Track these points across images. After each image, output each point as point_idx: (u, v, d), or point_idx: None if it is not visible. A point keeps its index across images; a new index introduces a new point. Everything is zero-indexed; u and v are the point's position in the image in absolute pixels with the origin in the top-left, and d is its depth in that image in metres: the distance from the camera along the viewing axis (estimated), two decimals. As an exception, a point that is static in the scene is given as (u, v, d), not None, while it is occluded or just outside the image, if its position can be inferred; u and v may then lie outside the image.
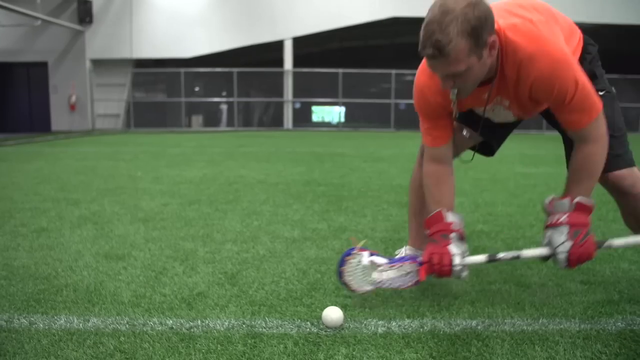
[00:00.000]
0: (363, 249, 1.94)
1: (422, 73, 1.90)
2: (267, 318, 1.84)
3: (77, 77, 17.17)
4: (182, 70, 17.55)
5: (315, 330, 1.73)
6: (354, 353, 1.58)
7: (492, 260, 1.89)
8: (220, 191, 4.57)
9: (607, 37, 19.39)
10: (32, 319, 1.81)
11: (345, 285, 1.95)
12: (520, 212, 3.71)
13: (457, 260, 1.85)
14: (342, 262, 1.94)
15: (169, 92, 19.12)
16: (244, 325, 1.77)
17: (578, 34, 1.92)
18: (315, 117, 20.48)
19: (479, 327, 1.76)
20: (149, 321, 1.80)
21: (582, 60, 1.89)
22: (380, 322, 1.80)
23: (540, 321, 1.81)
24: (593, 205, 1.83)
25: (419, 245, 2.30)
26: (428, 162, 2.04)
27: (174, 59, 17.38)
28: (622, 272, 2.35)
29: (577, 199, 1.80)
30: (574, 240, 1.77)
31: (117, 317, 1.83)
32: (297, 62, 17.81)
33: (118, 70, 17.49)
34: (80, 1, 16.65)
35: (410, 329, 1.76)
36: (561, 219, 1.80)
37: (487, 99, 1.85)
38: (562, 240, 1.79)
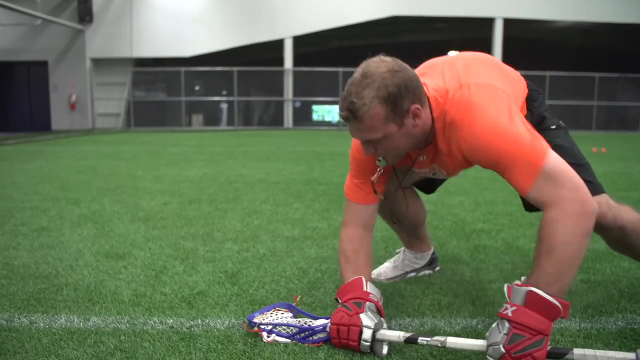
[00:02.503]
0: (261, 330, 1.68)
1: None
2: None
3: (77, 76, 17.19)
4: (182, 69, 17.56)
5: (315, 329, 1.73)
6: (354, 352, 1.58)
7: (410, 341, 1.54)
8: (221, 190, 4.58)
9: (607, 36, 19.43)
10: (32, 318, 1.81)
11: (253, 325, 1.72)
12: (521, 211, 3.66)
13: (366, 334, 1.54)
14: (256, 314, 1.78)
15: (169, 91, 19.13)
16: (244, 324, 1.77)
17: (523, 85, 1.86)
18: (316, 116, 20.47)
19: (479, 326, 1.76)
20: (150, 320, 1.80)
21: (530, 107, 1.84)
22: (380, 321, 1.80)
23: (541, 320, 1.80)
24: (556, 304, 1.39)
25: (416, 249, 2.31)
26: (349, 224, 1.88)
27: (174, 58, 17.39)
28: (623, 271, 2.35)
29: (529, 288, 1.42)
30: (507, 348, 1.38)
31: (117, 316, 1.83)
32: (297, 61, 17.81)
33: (118, 69, 17.50)
34: (80, 0, 16.65)
35: (410, 327, 1.76)
36: (507, 311, 1.44)
37: (429, 164, 1.77)
38: (496, 340, 1.41)
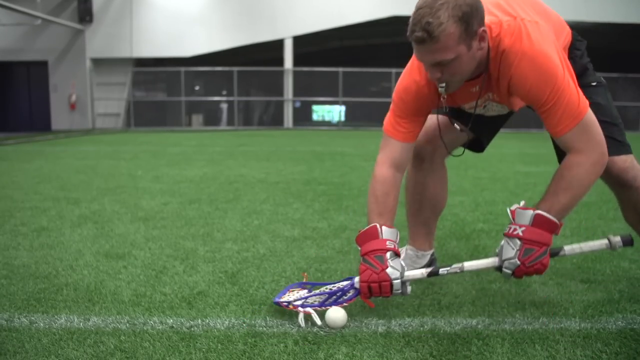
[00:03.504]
0: (296, 307, 1.79)
1: (412, 68, 1.89)
2: (267, 317, 1.84)
3: (77, 76, 17.17)
4: (182, 69, 17.55)
5: (315, 330, 1.73)
6: (354, 352, 1.58)
7: (432, 274, 1.80)
8: (221, 190, 4.58)
9: (608, 36, 19.41)
10: (32, 318, 1.81)
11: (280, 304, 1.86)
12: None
13: (396, 285, 1.75)
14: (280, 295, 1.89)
15: (169, 91, 19.12)
16: (244, 324, 1.77)
17: (567, 30, 1.91)
18: (316, 116, 20.48)
19: (479, 326, 1.76)
20: (150, 320, 1.80)
21: (573, 56, 1.88)
22: (380, 321, 1.80)
23: (541, 320, 1.81)
24: (558, 224, 1.69)
25: (419, 245, 2.31)
26: (383, 164, 1.96)
27: (174, 58, 17.38)
28: (623, 271, 2.35)
29: (537, 211, 1.68)
30: (522, 260, 1.67)
31: (117, 316, 1.83)
32: (297, 61, 17.80)
33: (118, 69, 17.48)
34: (80, 0, 16.64)
35: (410, 327, 1.76)
36: (517, 231, 1.69)
37: (478, 94, 1.82)
38: (510, 255, 1.69)
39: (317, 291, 1.85)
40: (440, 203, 2.29)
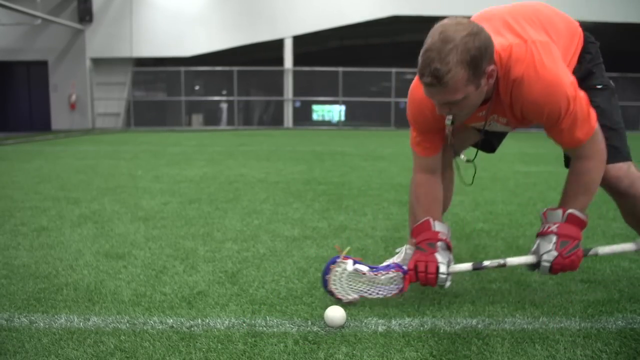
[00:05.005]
0: (347, 257, 1.92)
1: (419, 87, 1.87)
2: (267, 317, 1.84)
3: (77, 76, 17.17)
4: (182, 69, 17.55)
5: (315, 329, 1.73)
6: (354, 352, 1.58)
7: (477, 268, 1.91)
8: (221, 190, 4.58)
9: (608, 35, 19.38)
10: (32, 317, 1.81)
11: (331, 293, 1.93)
12: (521, 211, 3.71)
13: (442, 268, 1.85)
14: (327, 271, 1.92)
15: (169, 90, 19.12)
16: (244, 324, 1.77)
17: (578, 34, 1.92)
18: (316, 116, 20.46)
19: (479, 326, 1.76)
20: (150, 320, 1.80)
21: (581, 60, 1.89)
22: (380, 321, 1.80)
23: (541, 320, 1.81)
24: (586, 220, 1.84)
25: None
26: (418, 171, 2.06)
27: (174, 58, 17.38)
28: (623, 271, 2.35)
29: (569, 211, 1.81)
30: (559, 251, 1.78)
31: (117, 316, 1.83)
32: (297, 61, 17.80)
33: (118, 69, 17.48)
34: (80, 0, 16.64)
35: (410, 327, 1.76)
36: (551, 228, 1.82)
37: (485, 117, 1.86)
38: (548, 248, 1.80)
39: (365, 271, 1.91)
40: (444, 205, 2.28)
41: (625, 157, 1.87)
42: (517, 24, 1.78)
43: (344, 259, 1.91)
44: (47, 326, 1.74)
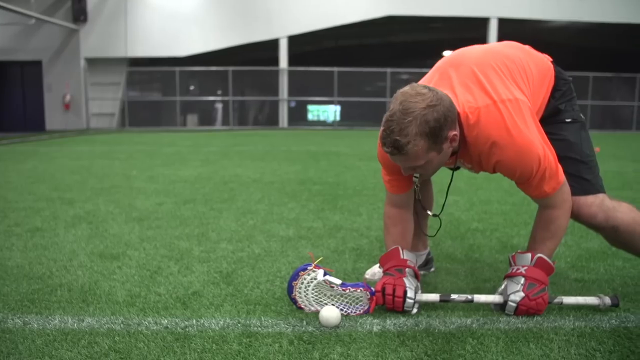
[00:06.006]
0: (319, 266, 1.87)
1: None
2: (262, 317, 1.83)
3: (72, 76, 17.10)
4: (177, 69, 17.52)
5: (310, 329, 1.73)
6: (349, 352, 1.58)
7: (444, 300, 1.88)
8: (216, 190, 4.57)
9: (602, 36, 19.49)
10: (26, 319, 1.80)
11: (294, 301, 1.89)
12: (515, 210, 3.72)
13: (410, 293, 1.84)
14: (294, 277, 1.88)
15: (164, 91, 19.07)
16: (239, 325, 1.77)
17: (550, 74, 1.93)
18: (311, 116, 20.46)
19: (474, 325, 1.77)
20: (144, 321, 1.80)
21: (552, 97, 1.92)
22: (375, 321, 1.80)
23: (535, 319, 1.81)
24: (553, 267, 1.87)
25: (412, 247, 2.30)
26: (388, 204, 2.08)
27: (169, 58, 17.33)
28: (616, 270, 2.36)
29: (538, 255, 1.85)
30: (526, 293, 1.80)
31: (111, 317, 1.83)
32: (292, 61, 17.79)
33: (113, 69, 17.42)
34: (74, -1, 16.60)
35: (405, 327, 1.76)
36: (520, 270, 1.84)
37: (453, 163, 1.91)
38: (516, 289, 1.82)
39: (335, 284, 1.87)
40: (428, 204, 2.26)
41: (597, 190, 1.89)
42: (485, 78, 1.78)
43: (315, 268, 1.87)
44: (40, 327, 1.74)
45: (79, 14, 16.71)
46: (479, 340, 1.66)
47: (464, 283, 2.19)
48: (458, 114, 1.71)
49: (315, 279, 1.86)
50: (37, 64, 17.11)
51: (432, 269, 2.37)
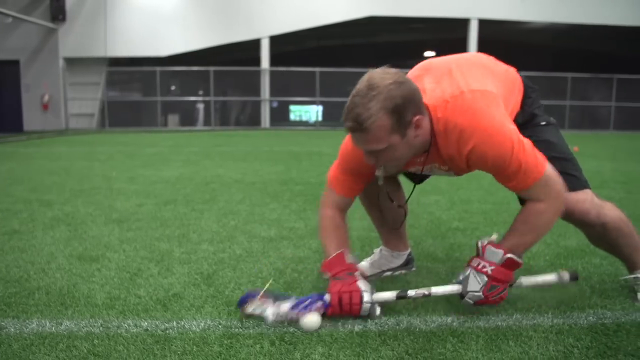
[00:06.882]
0: (266, 295, 1.79)
1: None
2: (243, 318, 1.83)
3: (50, 76, 16.83)
4: (158, 69, 17.36)
5: (292, 330, 1.73)
6: (330, 352, 1.58)
7: (401, 297, 1.82)
8: (197, 191, 4.54)
9: (581, 37, 19.77)
10: (2, 323, 1.77)
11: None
12: (495, 210, 3.75)
13: (366, 297, 1.77)
14: (242, 301, 1.82)
15: (144, 91, 18.90)
16: (220, 326, 1.76)
17: (518, 82, 1.93)
18: (293, 116, 20.46)
19: (454, 324, 1.78)
20: (124, 323, 1.78)
21: (524, 105, 1.92)
22: (356, 320, 1.80)
23: (514, 317, 1.83)
24: (521, 264, 1.79)
25: (393, 247, 2.32)
26: (330, 207, 2.03)
27: (150, 58, 17.17)
28: (594, 267, 2.39)
29: (508, 255, 1.73)
30: (486, 295, 1.73)
31: (90, 320, 1.81)
32: (274, 61, 17.75)
33: (92, 69, 17.21)
34: (52, -2, 16.36)
35: (386, 326, 1.77)
36: (486, 269, 1.75)
37: (423, 163, 1.84)
38: (476, 289, 1.75)
39: (286, 315, 1.77)
40: (402, 215, 2.24)
41: (584, 185, 1.87)
42: (459, 72, 1.77)
43: (260, 299, 1.78)
44: (17, 331, 1.71)
45: (58, 13, 16.46)
46: (459, 338, 1.67)
47: (445, 282, 2.20)
48: (427, 108, 1.68)
49: (261, 313, 1.77)
50: (15, 64, 16.80)
51: (413, 269, 2.38)
